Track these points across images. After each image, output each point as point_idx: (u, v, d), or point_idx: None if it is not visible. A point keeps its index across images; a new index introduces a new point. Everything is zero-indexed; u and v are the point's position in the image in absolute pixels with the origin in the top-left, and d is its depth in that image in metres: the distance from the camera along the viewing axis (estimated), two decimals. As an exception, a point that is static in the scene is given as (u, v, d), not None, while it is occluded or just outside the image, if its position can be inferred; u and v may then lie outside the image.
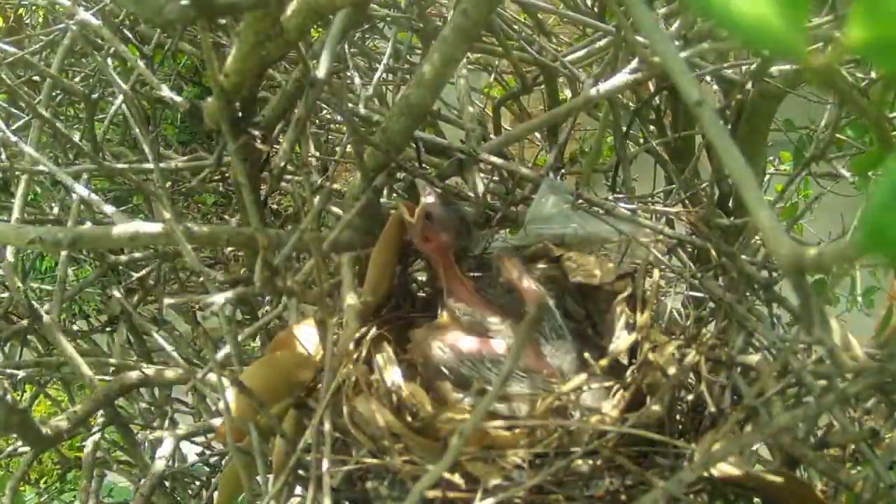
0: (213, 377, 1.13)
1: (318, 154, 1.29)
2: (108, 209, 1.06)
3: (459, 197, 1.14)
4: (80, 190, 1.15)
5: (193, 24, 0.78)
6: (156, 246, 1.52)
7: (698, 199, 1.35)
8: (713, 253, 0.98)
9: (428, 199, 0.98)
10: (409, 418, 0.82)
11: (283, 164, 0.96)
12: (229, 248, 1.70)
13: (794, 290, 0.49)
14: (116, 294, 1.56)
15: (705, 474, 0.73)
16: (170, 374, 1.32)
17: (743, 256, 0.93)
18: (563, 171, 1.27)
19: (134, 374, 1.34)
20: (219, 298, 0.71)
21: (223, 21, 1.35)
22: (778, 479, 0.73)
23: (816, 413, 0.67)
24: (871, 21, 0.31)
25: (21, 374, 1.51)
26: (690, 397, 0.85)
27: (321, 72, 0.93)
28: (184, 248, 0.84)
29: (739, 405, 0.78)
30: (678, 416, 0.83)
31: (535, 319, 0.40)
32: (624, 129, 1.40)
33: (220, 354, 0.94)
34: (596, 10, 1.61)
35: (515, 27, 1.48)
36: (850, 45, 0.32)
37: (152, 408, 1.76)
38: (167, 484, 1.56)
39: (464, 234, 1.00)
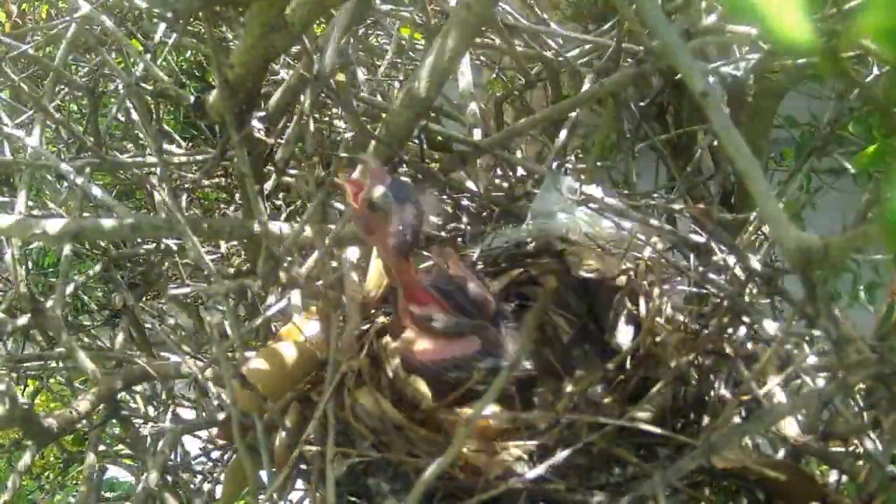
0: (215, 372, 1.13)
1: (320, 148, 1.29)
2: (111, 201, 1.06)
3: (460, 191, 1.14)
4: (83, 183, 1.15)
5: (197, 16, 0.78)
6: (157, 240, 1.52)
7: (700, 195, 1.35)
8: (715, 247, 0.98)
9: (376, 186, 0.84)
10: (411, 411, 0.83)
11: (286, 157, 0.96)
12: (232, 245, 1.70)
13: (800, 282, 0.49)
14: (120, 288, 1.57)
15: (707, 465, 0.73)
16: (172, 368, 1.32)
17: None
18: (566, 166, 1.27)
19: (136, 369, 1.34)
20: (220, 289, 0.71)
21: (227, 14, 1.35)
22: (780, 469, 0.73)
23: (818, 402, 0.67)
24: (885, 8, 0.31)
25: (24, 367, 1.51)
26: (692, 389, 0.85)
27: (325, 65, 0.93)
28: (187, 240, 0.84)
29: (739, 392, 0.78)
30: (680, 408, 0.83)
31: (541, 309, 0.40)
32: (627, 125, 1.40)
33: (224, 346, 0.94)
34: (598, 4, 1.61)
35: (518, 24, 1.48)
36: (862, 31, 0.32)
37: (154, 402, 1.76)
38: (169, 478, 1.56)
39: (415, 225, 0.85)
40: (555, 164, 1.23)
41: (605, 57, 1.28)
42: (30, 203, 1.47)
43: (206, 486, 1.50)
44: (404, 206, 0.83)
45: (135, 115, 1.48)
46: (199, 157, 1.39)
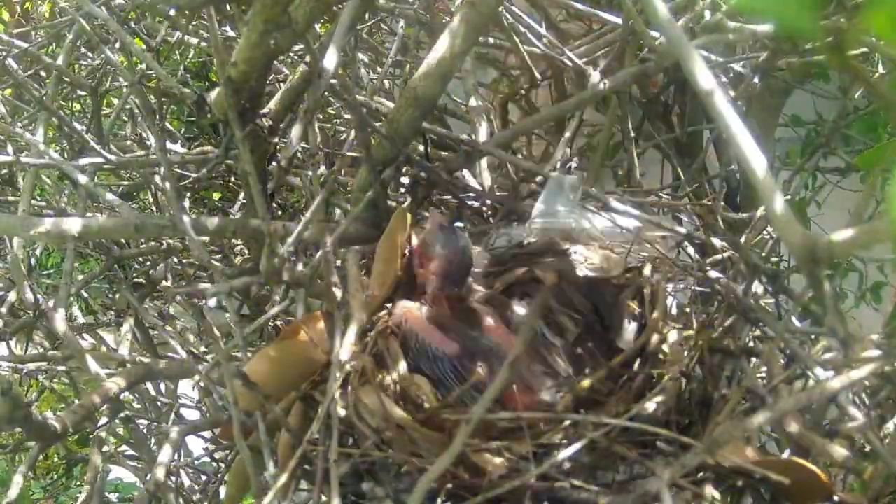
0: (218, 371, 1.13)
1: (324, 147, 1.29)
2: (114, 200, 1.06)
3: (466, 190, 1.13)
4: (86, 182, 1.15)
5: (199, 13, 0.78)
6: (161, 240, 1.52)
7: (705, 194, 1.35)
8: (720, 246, 0.97)
9: (430, 231, 0.95)
10: (413, 410, 0.82)
11: (290, 155, 0.96)
12: (236, 245, 1.70)
13: (806, 279, 0.49)
14: (123, 288, 1.56)
15: (713, 462, 0.73)
16: (175, 368, 1.32)
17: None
18: (570, 165, 1.26)
19: (140, 369, 1.34)
20: (223, 287, 0.71)
21: (230, 11, 1.35)
22: (785, 468, 0.73)
23: (822, 399, 0.67)
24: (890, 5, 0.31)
25: (27, 368, 1.51)
26: (697, 388, 0.85)
27: (329, 63, 0.93)
28: (190, 239, 0.84)
29: (741, 386, 0.78)
30: (684, 407, 0.83)
31: (540, 307, 0.39)
32: (632, 125, 1.39)
33: (227, 347, 0.94)
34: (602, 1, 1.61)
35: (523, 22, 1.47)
36: (868, 27, 0.32)
37: (158, 402, 1.76)
38: (173, 479, 1.56)
39: (460, 270, 0.94)
40: (559, 164, 1.23)
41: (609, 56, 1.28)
42: (33, 202, 1.47)
43: (210, 487, 1.49)
44: (450, 252, 0.93)
45: (138, 113, 1.47)
46: (203, 157, 1.38)
